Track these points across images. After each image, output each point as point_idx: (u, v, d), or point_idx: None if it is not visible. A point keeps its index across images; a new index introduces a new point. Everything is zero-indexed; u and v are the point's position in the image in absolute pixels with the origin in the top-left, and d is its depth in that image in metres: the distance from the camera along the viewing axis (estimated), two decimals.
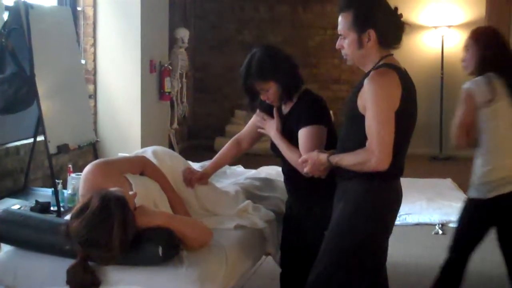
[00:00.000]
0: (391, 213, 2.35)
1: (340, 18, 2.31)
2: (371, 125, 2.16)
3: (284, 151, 2.63)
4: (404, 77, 2.24)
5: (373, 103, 2.15)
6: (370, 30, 2.24)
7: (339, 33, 2.33)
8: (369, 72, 2.23)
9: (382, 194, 2.27)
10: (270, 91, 2.62)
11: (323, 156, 2.33)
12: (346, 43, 2.29)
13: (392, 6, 2.30)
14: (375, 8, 2.26)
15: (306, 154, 2.42)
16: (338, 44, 2.34)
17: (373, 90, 2.16)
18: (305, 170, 2.38)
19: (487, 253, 3.27)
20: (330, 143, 2.54)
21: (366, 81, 2.20)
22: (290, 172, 2.67)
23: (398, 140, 2.18)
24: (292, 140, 2.62)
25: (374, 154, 2.14)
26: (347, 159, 2.24)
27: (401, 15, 2.30)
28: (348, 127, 2.34)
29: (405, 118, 2.21)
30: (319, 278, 2.31)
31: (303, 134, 2.57)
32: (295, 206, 2.78)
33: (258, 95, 2.67)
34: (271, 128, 2.69)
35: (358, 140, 2.21)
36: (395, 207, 2.35)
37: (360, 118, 2.20)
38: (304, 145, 2.55)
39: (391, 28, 2.27)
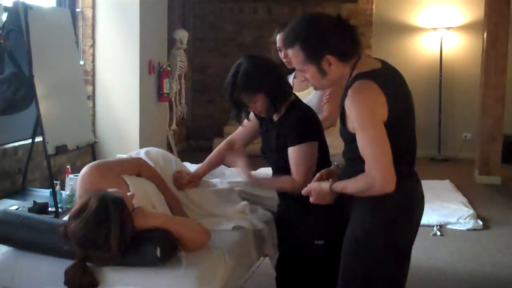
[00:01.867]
0: (403, 216, 2.23)
1: (290, 54, 2.13)
2: (364, 148, 2.03)
3: (275, 187, 2.71)
4: (384, 80, 2.06)
5: (358, 125, 2.02)
6: (327, 56, 2.06)
7: (296, 68, 2.18)
8: (347, 89, 2.09)
9: (389, 199, 2.09)
10: (258, 103, 2.57)
11: (326, 186, 2.20)
12: (308, 76, 2.13)
13: (335, 15, 2.12)
14: (321, 31, 2.07)
15: (308, 186, 2.29)
16: (301, 77, 2.21)
17: (354, 111, 2.03)
18: (311, 201, 2.26)
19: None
20: (321, 155, 2.54)
21: (346, 102, 2.07)
22: None
23: (397, 145, 2.06)
24: (286, 150, 2.58)
25: (376, 179, 2.00)
26: (351, 187, 2.11)
27: (347, 20, 2.11)
28: (348, 149, 2.20)
29: (398, 122, 2.09)
30: None
31: (293, 153, 2.52)
32: (287, 212, 2.73)
33: (245, 106, 2.62)
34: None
35: (362, 159, 2.06)
36: (407, 209, 2.24)
37: (355, 137, 2.07)
38: (296, 164, 2.51)
39: (346, 41, 2.08)
